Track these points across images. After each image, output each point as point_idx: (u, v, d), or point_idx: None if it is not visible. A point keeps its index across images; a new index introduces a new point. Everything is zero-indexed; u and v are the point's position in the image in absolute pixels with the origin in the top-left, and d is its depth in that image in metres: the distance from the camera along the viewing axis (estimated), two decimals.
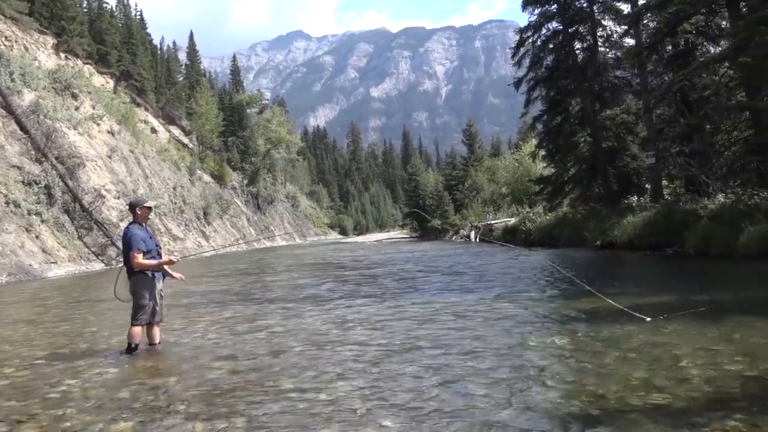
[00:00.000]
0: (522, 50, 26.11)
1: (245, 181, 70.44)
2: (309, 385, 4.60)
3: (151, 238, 6.28)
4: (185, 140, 61.73)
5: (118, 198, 32.35)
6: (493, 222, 35.93)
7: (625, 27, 22.40)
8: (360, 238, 76.00)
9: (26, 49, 37.72)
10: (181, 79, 72.69)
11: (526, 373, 4.61)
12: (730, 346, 5.08)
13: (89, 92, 39.59)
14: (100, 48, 51.29)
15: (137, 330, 6.12)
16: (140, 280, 6.16)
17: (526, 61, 26.00)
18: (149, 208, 6.46)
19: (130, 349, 6.08)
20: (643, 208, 19.27)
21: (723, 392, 3.89)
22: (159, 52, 70.92)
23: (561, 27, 24.89)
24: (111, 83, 50.56)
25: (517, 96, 27.87)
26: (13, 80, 29.61)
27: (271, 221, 72.75)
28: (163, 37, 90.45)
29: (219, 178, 60.71)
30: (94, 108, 37.86)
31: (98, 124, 36.36)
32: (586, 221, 21.49)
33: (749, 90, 15.59)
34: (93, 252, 26.06)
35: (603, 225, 19.66)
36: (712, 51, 18.88)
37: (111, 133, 38.31)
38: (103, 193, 30.20)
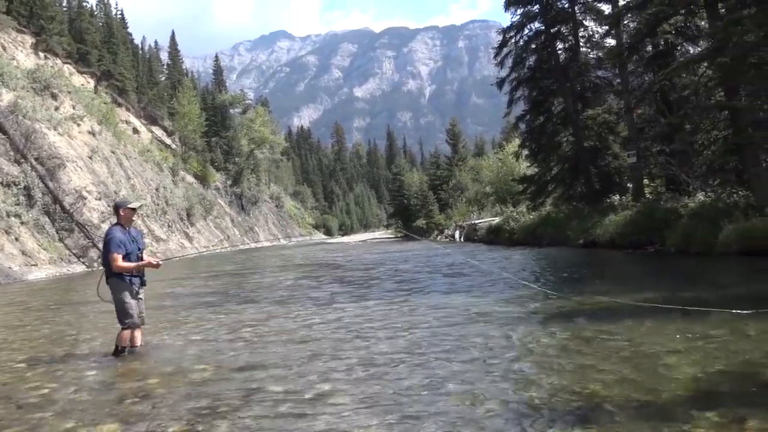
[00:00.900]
0: (505, 50, 26.26)
1: (229, 182, 70.02)
2: (293, 386, 4.58)
3: (134, 241, 6.16)
4: (168, 141, 61.18)
5: (100, 199, 31.98)
6: (477, 221, 36.09)
7: (606, 27, 22.63)
8: (345, 239, 75.93)
9: (4, 48, 37.12)
10: (163, 78, 72.07)
11: (505, 372, 4.63)
12: (711, 343, 5.15)
13: (69, 92, 39.07)
14: (80, 47, 50.67)
15: (126, 334, 6.05)
16: (117, 283, 6.02)
17: (509, 62, 26.17)
18: (133, 209, 6.32)
19: (117, 352, 6.02)
20: (625, 206, 19.48)
21: (704, 389, 3.95)
22: (140, 51, 70.26)
23: (543, 27, 25.08)
24: (91, 83, 49.95)
25: (500, 96, 28.03)
26: None
27: (256, 222, 72.40)
28: (144, 36, 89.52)
29: (202, 179, 60.28)
30: (74, 108, 37.38)
31: (79, 125, 35.89)
32: (568, 220, 21.67)
33: (727, 90, 15.82)
34: (74, 254, 25.72)
35: (585, 224, 19.84)
36: (692, 51, 19.16)
37: (92, 133, 37.85)
38: (84, 194, 29.82)
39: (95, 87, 49.49)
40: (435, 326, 6.71)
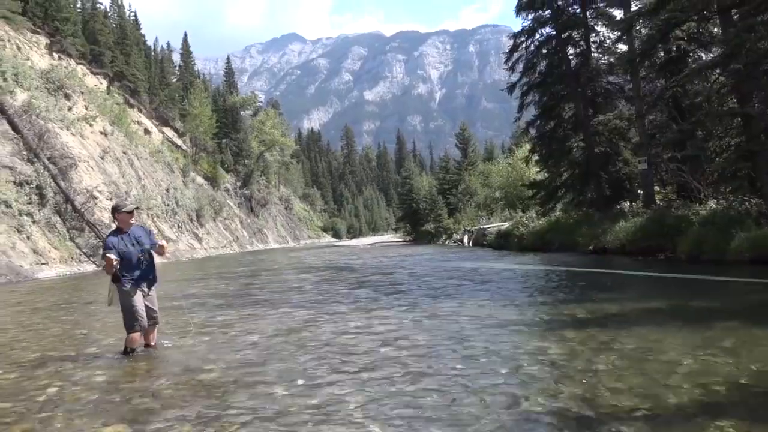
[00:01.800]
0: (515, 55, 26.21)
1: (239, 184, 70.29)
2: (302, 388, 4.58)
3: (135, 243, 6.13)
4: (179, 142, 61.55)
5: (111, 199, 32.18)
6: (486, 226, 36.00)
7: (618, 33, 22.55)
8: (353, 242, 75.99)
9: (19, 48, 37.52)
10: (175, 80, 72.50)
11: (513, 379, 4.61)
12: (720, 352, 5.10)
13: (82, 92, 39.41)
14: (94, 48, 51.12)
15: (135, 336, 6.09)
16: (118, 289, 6.07)
17: (520, 66, 26.13)
18: (129, 212, 6.21)
19: (126, 352, 6.08)
20: (636, 213, 19.37)
21: (713, 399, 3.91)
22: (153, 53, 70.76)
23: (554, 32, 25.03)
24: (104, 84, 50.38)
25: (510, 101, 28.00)
26: (5, 80, 29.44)
27: (265, 224, 72.59)
28: (157, 37, 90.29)
29: (212, 180, 60.56)
30: (87, 108, 37.69)
31: (91, 125, 36.17)
32: (578, 226, 21.57)
33: (740, 97, 15.70)
34: (84, 253, 25.91)
35: (595, 230, 19.74)
36: (704, 57, 19.02)
37: (104, 133, 38.14)
38: (96, 194, 30.04)
39: (108, 88, 49.90)
40: (446, 332, 6.69)
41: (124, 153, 39.80)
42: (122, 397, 4.62)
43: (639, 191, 22.87)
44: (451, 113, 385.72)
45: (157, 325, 6.42)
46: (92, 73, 49.19)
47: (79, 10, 54.19)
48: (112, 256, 5.87)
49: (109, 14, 60.68)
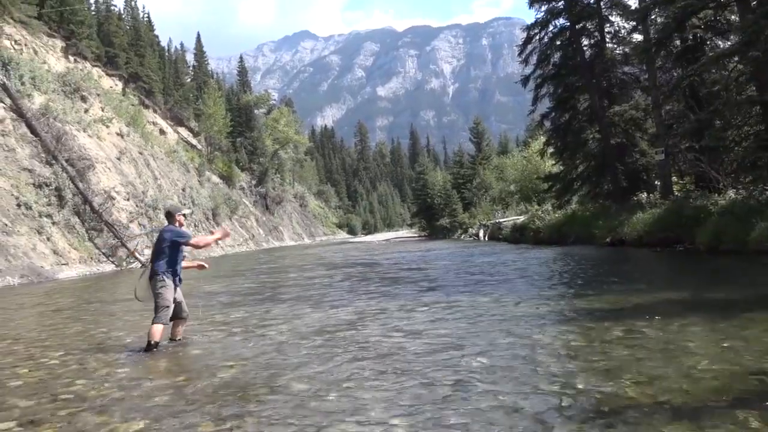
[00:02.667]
0: (529, 47, 26.03)
1: (253, 182, 70.66)
2: (320, 385, 4.61)
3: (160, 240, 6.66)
4: (194, 141, 61.99)
5: (128, 199, 32.55)
6: (502, 220, 35.85)
7: (633, 23, 22.27)
8: (368, 238, 76.10)
9: (35, 52, 38.01)
10: (189, 80, 72.99)
11: (533, 372, 4.60)
12: (742, 342, 5.04)
13: (98, 94, 39.84)
14: (109, 50, 51.61)
15: (159, 329, 6.31)
16: (158, 281, 6.44)
17: (534, 59, 25.94)
18: (183, 215, 7.03)
19: (150, 345, 6.22)
20: (653, 204, 19.17)
21: (736, 389, 3.86)
22: (167, 53, 71.27)
23: (568, 24, 24.80)
24: (119, 85, 50.87)
25: (524, 93, 27.80)
26: (23, 83, 29.84)
27: (280, 221, 72.93)
28: (170, 38, 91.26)
29: (227, 179, 60.95)
30: (103, 110, 38.10)
31: (107, 126, 36.57)
32: (595, 218, 21.40)
33: (760, 85, 15.44)
34: (104, 253, 26.24)
35: (612, 222, 19.57)
36: (722, 46, 18.73)
37: (120, 135, 38.53)
38: (113, 194, 30.38)
39: (123, 89, 50.38)
40: (461, 324, 6.69)
41: (140, 153, 40.18)
42: (144, 394, 4.67)
43: (656, 182, 22.62)
44: (464, 107, 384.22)
45: (185, 320, 6.76)
46: (107, 74, 49.68)
47: (93, 13, 54.74)
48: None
49: (123, 16, 61.20)
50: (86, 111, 35.64)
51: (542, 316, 7.01)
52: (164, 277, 6.45)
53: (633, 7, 22.51)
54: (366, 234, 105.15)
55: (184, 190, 44.71)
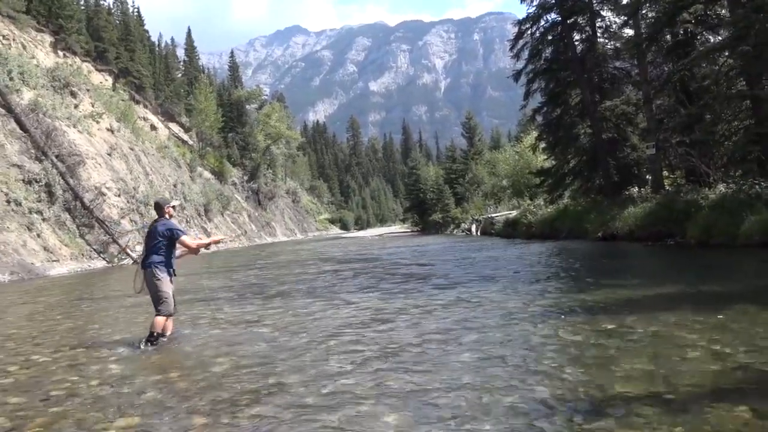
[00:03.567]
0: (521, 42, 26.04)
1: (245, 177, 70.41)
2: (313, 379, 4.61)
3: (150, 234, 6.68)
4: (185, 137, 61.67)
5: (119, 196, 32.36)
6: (494, 215, 35.94)
7: (624, 17, 22.30)
8: (361, 233, 76.04)
9: (24, 47, 37.62)
10: (180, 75, 72.54)
11: (524, 366, 4.62)
12: (732, 335, 5.08)
13: (88, 90, 39.52)
14: (98, 45, 51.17)
15: (162, 320, 6.38)
16: (157, 274, 6.47)
17: (525, 54, 25.94)
18: (173, 207, 6.99)
19: (152, 336, 6.26)
20: (644, 199, 19.27)
21: (726, 382, 3.90)
22: (157, 48, 70.79)
23: (559, 18, 24.81)
24: (110, 80, 50.48)
25: (516, 88, 27.83)
26: (11, 79, 29.55)
27: (272, 217, 72.76)
28: (160, 33, 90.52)
29: (219, 175, 60.70)
30: (93, 105, 37.81)
31: (98, 122, 36.30)
32: (587, 213, 21.50)
33: (749, 79, 15.53)
34: (95, 250, 26.09)
35: (604, 216, 19.66)
36: (712, 40, 18.81)
37: (110, 130, 38.27)
38: (104, 190, 30.19)
39: (113, 84, 50.00)
40: (452, 319, 6.70)
41: (131, 149, 39.94)
42: (136, 390, 4.66)
43: (647, 177, 22.73)
44: (456, 102, 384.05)
45: (173, 316, 6.72)
46: (97, 70, 49.27)
47: (82, 8, 54.23)
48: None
49: (113, 11, 60.70)
50: (76, 106, 35.36)
51: (533, 311, 7.04)
52: (158, 269, 6.45)
53: (624, 2, 22.55)
54: (358, 229, 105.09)
55: (175, 185, 44.51)
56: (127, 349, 6.24)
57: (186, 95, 66.85)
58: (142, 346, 6.15)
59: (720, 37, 18.11)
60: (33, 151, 26.39)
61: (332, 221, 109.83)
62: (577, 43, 24.83)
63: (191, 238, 6.82)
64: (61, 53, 43.95)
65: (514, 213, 31.31)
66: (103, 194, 29.67)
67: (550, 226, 23.50)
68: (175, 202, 7.13)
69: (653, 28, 18.53)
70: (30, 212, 23.44)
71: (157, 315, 6.37)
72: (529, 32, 25.72)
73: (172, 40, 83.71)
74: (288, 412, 3.85)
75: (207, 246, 6.98)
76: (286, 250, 33.92)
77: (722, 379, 3.94)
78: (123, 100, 45.90)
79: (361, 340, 5.96)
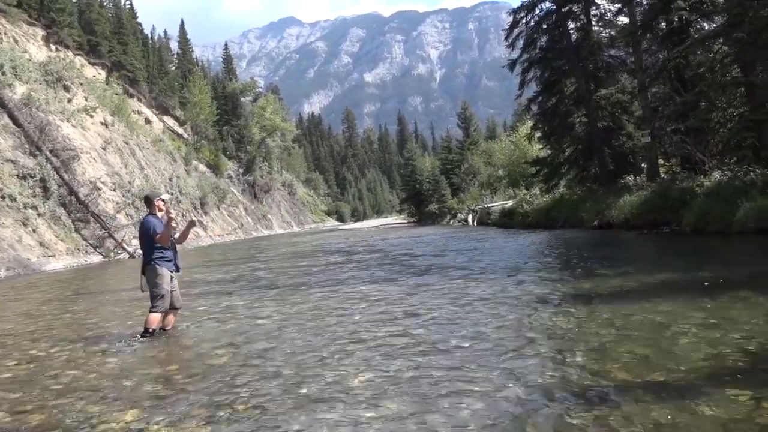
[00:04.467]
0: (515, 31, 25.98)
1: (241, 170, 70.24)
2: (312, 370, 4.62)
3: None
4: (180, 130, 61.41)
5: (114, 190, 32.25)
6: (490, 205, 35.97)
7: (619, 5, 22.27)
8: (358, 225, 76.06)
9: (16, 41, 37.34)
10: (174, 68, 72.15)
11: (521, 354, 4.64)
12: (729, 321, 5.11)
13: (81, 84, 39.27)
14: (91, 39, 50.81)
15: (156, 317, 6.36)
16: (153, 270, 6.44)
17: (520, 43, 25.91)
18: (163, 200, 6.85)
19: (146, 332, 6.27)
20: (640, 187, 19.31)
21: (722, 368, 3.92)
22: (150, 41, 70.31)
23: (554, 7, 24.74)
24: (103, 74, 50.16)
25: (511, 78, 27.80)
26: (3, 73, 29.34)
27: (269, 210, 72.69)
28: (153, 26, 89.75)
29: (215, 168, 60.52)
30: (86, 99, 37.58)
31: (92, 116, 36.10)
32: (582, 202, 21.55)
33: (744, 66, 15.55)
34: (91, 244, 26.03)
35: (600, 205, 19.71)
36: (707, 27, 18.80)
37: (105, 124, 38.08)
38: (99, 185, 30.09)
39: (107, 78, 49.70)
40: (450, 309, 6.72)
41: (126, 143, 39.77)
42: (135, 383, 4.66)
43: (643, 165, 22.77)
44: (451, 93, 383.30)
45: (177, 310, 6.76)
46: (90, 63, 48.95)
47: (74, 1, 53.78)
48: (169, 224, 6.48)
49: (105, 4, 60.21)
50: (69, 101, 35.15)
51: (529, 298, 7.06)
52: (156, 265, 6.44)
53: None
54: (355, 221, 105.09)
55: (171, 179, 44.36)
56: (126, 344, 6.24)
57: (180, 88, 66.49)
58: (136, 344, 6.13)
59: (714, 24, 18.10)
60: (27, 146, 26.25)
61: (328, 213, 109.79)
62: (572, 31, 24.79)
63: (159, 237, 6.43)
64: (53, 47, 43.64)
65: (510, 203, 31.35)
66: (98, 189, 29.57)
67: (546, 215, 23.55)
68: (165, 195, 6.98)
69: (648, 16, 18.51)
70: (25, 207, 23.35)
71: (151, 311, 6.35)
72: (523, 21, 25.67)
73: (165, 32, 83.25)
74: (287, 402, 3.86)
75: (172, 221, 6.47)
76: (285, 242, 33.91)
77: (719, 365, 3.96)
78: (117, 94, 45.65)
79: (361, 331, 5.97)
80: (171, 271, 6.58)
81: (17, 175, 24.32)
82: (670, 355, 4.24)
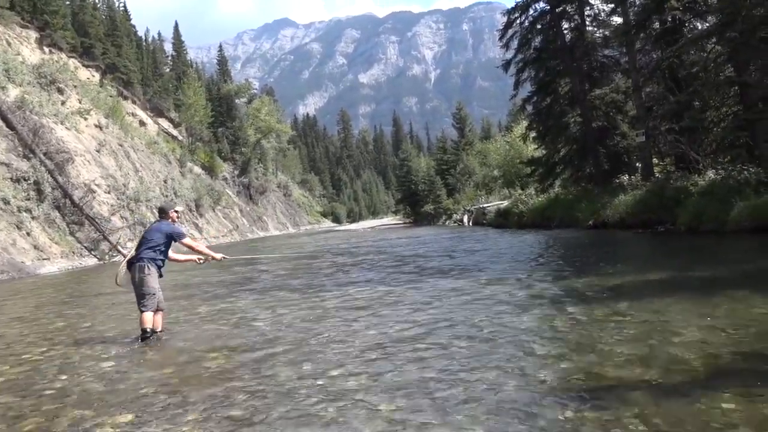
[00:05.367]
0: (510, 32, 26.03)
1: (236, 172, 70.09)
2: (307, 372, 4.61)
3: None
4: (174, 132, 61.23)
5: (109, 192, 32.13)
6: (485, 205, 36.00)
7: (612, 5, 22.34)
8: (354, 226, 75.99)
9: (9, 44, 37.17)
10: (168, 70, 71.93)
11: (517, 354, 4.64)
12: (724, 321, 5.13)
13: (75, 86, 39.12)
14: (84, 41, 50.62)
15: (150, 316, 6.37)
16: (152, 272, 6.50)
17: (515, 43, 25.96)
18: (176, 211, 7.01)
19: (145, 333, 6.27)
20: (634, 186, 19.36)
21: (718, 367, 3.93)
22: (144, 43, 70.13)
23: (548, 7, 24.81)
24: (97, 76, 49.97)
25: (506, 78, 27.86)
26: None
27: (264, 211, 72.54)
28: (147, 28, 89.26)
29: (210, 170, 60.36)
30: (80, 102, 37.44)
31: (86, 119, 35.96)
32: (578, 201, 21.59)
33: (737, 65, 15.61)
34: (86, 247, 25.91)
35: (595, 204, 19.75)
36: (700, 27, 18.87)
37: (99, 127, 37.94)
38: (93, 187, 29.97)
39: (101, 80, 49.51)
40: (447, 308, 6.72)
41: (120, 145, 39.62)
42: (130, 387, 4.64)
43: (637, 164, 22.84)
44: (446, 93, 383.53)
45: (163, 311, 6.72)
46: (84, 66, 48.76)
47: (68, 3, 53.55)
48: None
49: (99, 6, 60.01)
50: (63, 103, 35.00)
51: (526, 298, 7.07)
52: (148, 265, 6.45)
53: None
54: (351, 222, 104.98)
55: (165, 181, 44.23)
56: (120, 346, 6.21)
57: (174, 90, 66.30)
58: (132, 347, 6.11)
59: (708, 24, 18.17)
60: (20, 149, 26.11)
61: (324, 214, 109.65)
62: (566, 31, 24.86)
63: (192, 239, 6.84)
64: (46, 49, 43.47)
65: (505, 203, 31.38)
66: (93, 191, 29.45)
67: (542, 215, 23.59)
68: (179, 207, 7.15)
69: (641, 16, 18.58)
70: (19, 211, 23.23)
71: (143, 311, 6.34)
72: (518, 21, 25.73)
73: (160, 34, 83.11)
74: (282, 405, 3.85)
75: (205, 257, 6.94)
76: (283, 243, 33.85)
77: (713, 364, 3.97)
78: (111, 96, 45.47)
79: (356, 333, 5.96)
80: (159, 275, 6.62)
81: (11, 179, 24.20)
82: (665, 354, 4.25)
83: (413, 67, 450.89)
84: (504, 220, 27.92)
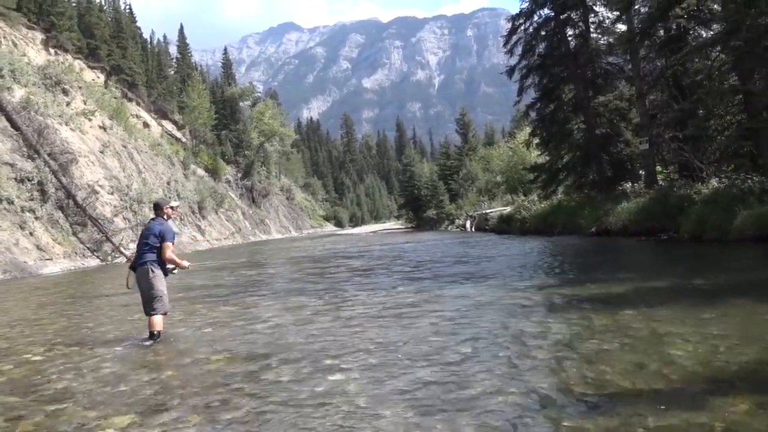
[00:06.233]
0: (514, 38, 26.06)
1: (239, 175, 70.18)
2: (307, 376, 4.60)
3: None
4: (178, 134, 61.35)
5: (112, 193, 32.19)
6: (488, 211, 35.99)
7: (617, 13, 22.37)
8: (356, 230, 76.01)
9: (15, 44, 37.33)
10: (173, 72, 72.14)
11: (517, 360, 4.62)
12: (726, 330, 5.11)
13: (80, 87, 39.25)
14: (90, 42, 50.82)
15: (160, 319, 6.40)
16: (160, 274, 6.53)
17: (519, 49, 25.99)
18: (173, 208, 6.96)
19: (153, 336, 6.28)
20: (638, 194, 19.34)
21: (720, 376, 3.91)
22: (149, 45, 70.34)
23: (553, 14, 24.85)
24: (102, 78, 50.12)
25: (510, 84, 27.89)
26: (2, 76, 29.31)
27: (267, 215, 72.59)
28: (153, 30, 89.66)
29: (213, 172, 60.44)
30: (85, 103, 37.56)
31: (90, 120, 36.06)
32: (580, 208, 21.56)
33: (741, 74, 15.60)
34: (88, 248, 25.95)
35: (598, 212, 19.72)
36: (704, 35, 18.88)
37: (103, 128, 38.04)
38: (97, 188, 30.02)
39: (105, 82, 49.65)
40: (448, 317, 6.71)
41: (124, 147, 39.72)
42: (131, 388, 4.64)
43: (641, 172, 22.81)
44: (450, 99, 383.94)
45: (165, 314, 6.69)
46: (89, 67, 48.92)
47: (74, 4, 53.81)
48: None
49: (105, 8, 60.25)
50: (68, 104, 35.11)
51: (528, 306, 7.05)
52: (153, 267, 6.45)
53: None
54: (353, 226, 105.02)
55: (169, 183, 44.31)
56: (122, 348, 6.21)
57: (179, 92, 66.47)
58: (135, 348, 6.11)
59: (712, 32, 18.18)
60: (25, 149, 26.19)
61: (326, 218, 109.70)
62: (570, 38, 24.89)
63: (171, 250, 6.56)
64: (52, 50, 43.64)
65: (508, 209, 31.36)
66: (96, 192, 29.51)
67: (544, 221, 23.56)
68: (174, 203, 7.08)
69: (646, 23, 18.57)
70: (22, 211, 23.28)
71: (152, 314, 6.34)
72: (522, 28, 25.76)
73: (165, 37, 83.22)
74: (283, 408, 3.84)
75: (177, 265, 6.67)
76: (288, 247, 33.84)
77: (716, 373, 3.96)
78: (115, 98, 45.61)
79: (353, 333, 5.95)
80: (165, 276, 6.61)
81: (15, 179, 24.26)
82: (667, 363, 4.23)
83: (417, 73, 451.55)
84: (507, 226, 27.89)
